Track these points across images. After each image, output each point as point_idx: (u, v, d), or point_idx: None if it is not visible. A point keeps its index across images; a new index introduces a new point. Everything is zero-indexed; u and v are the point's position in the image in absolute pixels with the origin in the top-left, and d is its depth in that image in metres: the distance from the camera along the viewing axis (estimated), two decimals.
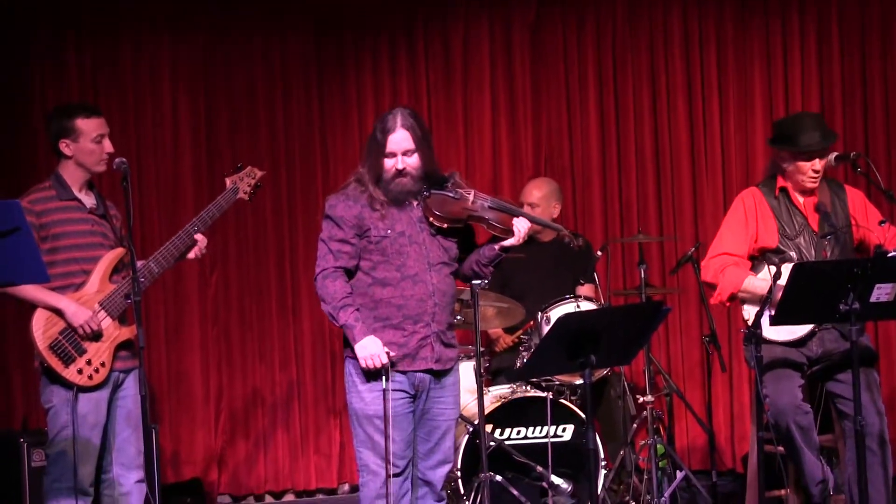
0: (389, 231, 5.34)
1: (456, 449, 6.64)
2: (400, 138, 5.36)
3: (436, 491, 5.53)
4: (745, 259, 6.21)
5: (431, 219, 5.36)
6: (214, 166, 8.44)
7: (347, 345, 5.38)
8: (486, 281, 6.74)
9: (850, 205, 6.26)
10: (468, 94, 8.80)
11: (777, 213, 6.20)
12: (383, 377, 5.26)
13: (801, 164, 6.12)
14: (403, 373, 5.34)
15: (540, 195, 7.84)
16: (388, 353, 5.26)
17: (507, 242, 5.41)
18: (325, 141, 8.73)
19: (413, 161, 5.37)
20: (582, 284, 7.75)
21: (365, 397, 5.36)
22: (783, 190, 6.23)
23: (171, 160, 8.59)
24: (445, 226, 5.37)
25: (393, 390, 5.31)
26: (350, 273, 5.40)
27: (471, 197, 5.43)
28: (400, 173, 5.35)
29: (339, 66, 8.77)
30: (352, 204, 5.38)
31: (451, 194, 5.41)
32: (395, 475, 5.33)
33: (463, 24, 8.80)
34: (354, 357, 5.33)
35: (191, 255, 6.05)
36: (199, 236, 5.99)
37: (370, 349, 5.25)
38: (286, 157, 8.69)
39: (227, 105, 8.68)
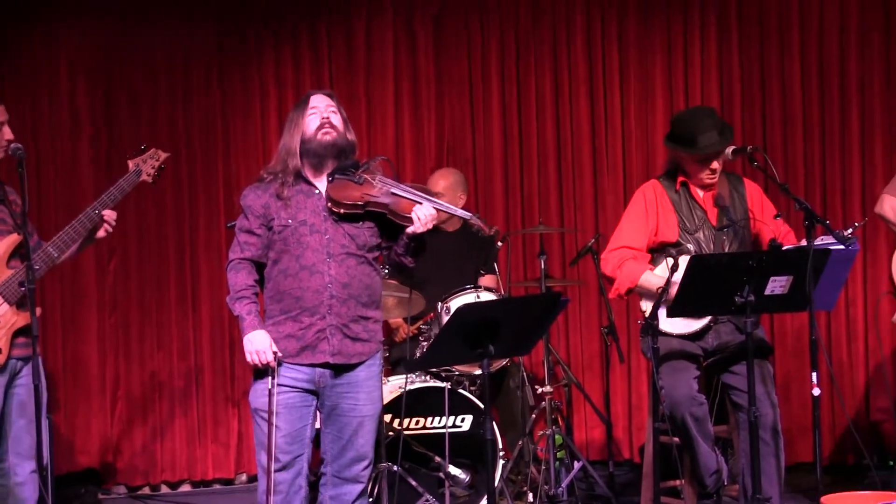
0: (291, 220, 5.31)
1: None
2: (322, 98, 5.44)
3: (357, 489, 5.45)
4: (644, 252, 6.25)
5: (329, 204, 5.31)
6: (113, 153, 8.36)
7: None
8: (386, 270, 6.75)
9: (749, 198, 6.33)
10: (371, 84, 8.78)
11: (677, 207, 6.25)
12: (269, 376, 5.22)
13: (699, 165, 6.17)
14: (308, 366, 5.30)
15: (445, 185, 7.84)
16: (275, 353, 5.22)
17: (409, 230, 5.31)
18: (227, 130, 8.68)
19: (337, 119, 5.39)
20: (483, 275, 7.76)
21: (257, 389, 5.34)
22: (684, 184, 6.28)
23: (70, 146, 8.51)
24: (342, 211, 5.30)
25: (286, 385, 5.28)
26: (261, 265, 5.38)
27: (375, 183, 5.35)
28: (325, 124, 5.35)
29: (241, 55, 8.72)
30: (261, 194, 5.37)
31: (353, 179, 5.34)
32: (278, 470, 5.28)
33: (366, 14, 8.77)
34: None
35: (100, 233, 5.95)
36: (107, 212, 5.90)
37: (256, 344, 5.22)
38: (187, 146, 8.63)
39: (127, 92, 8.60)
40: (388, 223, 5.40)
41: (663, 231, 6.23)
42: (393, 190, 5.36)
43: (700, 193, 6.27)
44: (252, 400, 5.37)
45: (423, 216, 5.28)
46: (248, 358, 5.23)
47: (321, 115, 5.38)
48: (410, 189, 5.41)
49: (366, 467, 5.46)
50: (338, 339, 5.30)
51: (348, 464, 5.42)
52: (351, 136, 5.47)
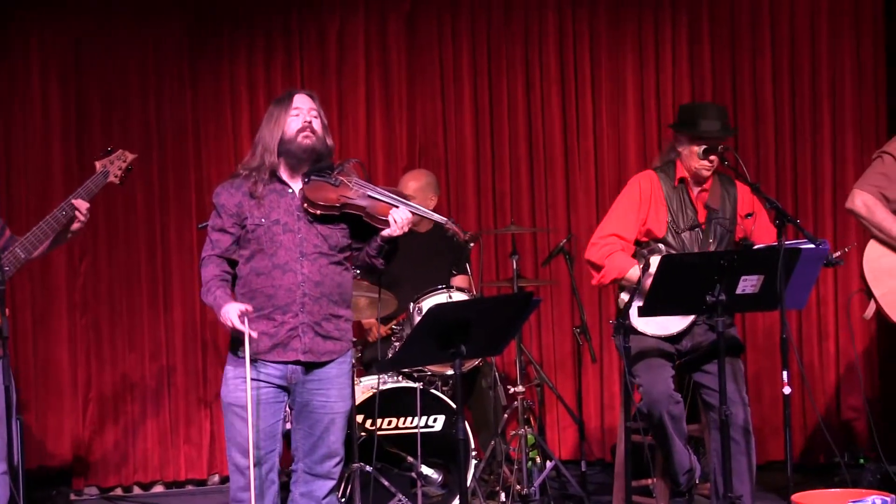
0: (264, 220, 5.30)
1: None
2: (305, 99, 5.42)
3: (328, 486, 5.46)
4: (632, 244, 6.23)
5: (305, 205, 5.30)
6: (85, 154, 8.31)
7: (233, 342, 5.36)
8: (358, 272, 6.75)
9: (739, 202, 6.33)
10: (343, 84, 8.76)
11: (669, 203, 6.21)
12: (246, 362, 5.20)
13: (696, 148, 6.16)
14: (280, 363, 5.31)
15: (416, 186, 7.83)
16: (248, 310, 5.19)
17: (385, 233, 5.31)
18: (198, 131, 8.64)
19: (318, 125, 5.40)
20: (455, 275, 7.76)
21: (229, 384, 5.34)
22: (682, 181, 6.26)
23: (41, 147, 8.46)
24: (318, 212, 5.30)
25: (260, 380, 5.29)
26: (234, 263, 5.38)
27: (351, 185, 5.36)
28: (306, 128, 5.34)
29: (212, 55, 8.69)
30: (234, 192, 5.37)
31: (330, 181, 5.35)
32: (248, 468, 5.28)
33: (338, 14, 8.76)
34: (235, 354, 5.33)
35: (74, 225, 5.90)
36: (78, 202, 5.86)
37: (231, 311, 5.16)
38: (158, 147, 8.59)
39: (98, 92, 8.55)
40: (362, 225, 5.40)
41: (652, 223, 6.21)
42: (369, 193, 5.36)
43: (695, 192, 6.26)
44: (225, 395, 5.37)
45: (399, 219, 5.29)
46: (232, 323, 5.15)
47: (304, 117, 5.37)
48: (386, 192, 5.42)
49: (336, 464, 5.47)
50: (309, 337, 5.31)
51: (319, 460, 5.43)
52: (330, 142, 5.47)
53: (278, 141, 5.36)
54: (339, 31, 8.75)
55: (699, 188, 6.27)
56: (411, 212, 5.36)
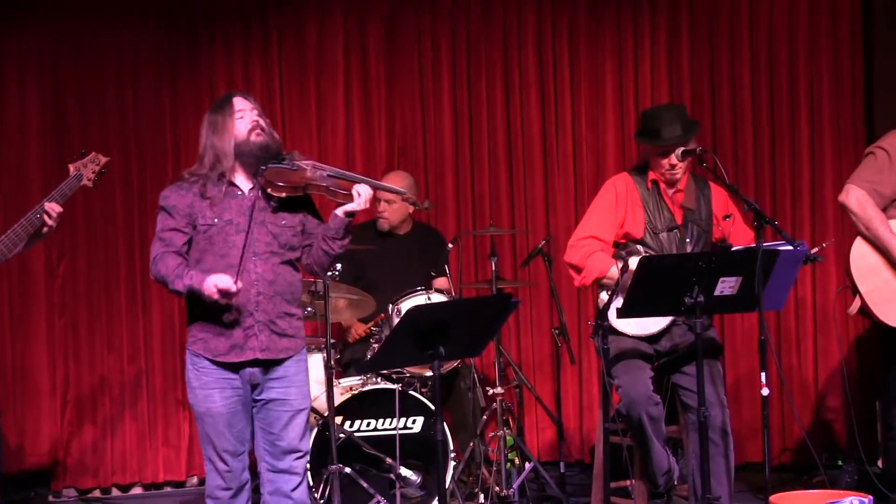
0: (217, 220, 5.33)
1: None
2: (245, 101, 5.46)
3: (294, 481, 5.48)
4: (610, 245, 6.25)
5: (270, 189, 5.34)
6: (63, 154, 8.25)
7: (189, 339, 5.40)
8: (338, 272, 6.75)
9: (714, 202, 6.34)
10: (321, 85, 8.76)
11: (646, 204, 6.24)
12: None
13: (661, 159, 6.18)
14: (234, 369, 5.34)
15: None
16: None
17: (350, 207, 5.37)
18: (177, 130, 8.63)
19: (265, 122, 5.44)
20: (434, 276, 7.76)
21: (198, 395, 5.39)
22: (655, 183, 6.28)
23: (18, 147, 8.44)
24: (283, 194, 5.35)
25: (222, 388, 5.35)
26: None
27: (308, 167, 5.42)
28: (256, 126, 5.38)
29: (191, 53, 8.67)
30: (184, 193, 5.38)
31: (287, 166, 5.40)
32: (228, 472, 5.39)
33: (317, 14, 8.75)
34: (194, 351, 5.37)
35: (45, 228, 5.89)
36: (50, 205, 5.84)
37: (215, 281, 5.15)
38: (136, 146, 8.58)
39: (76, 92, 8.54)
40: (306, 222, 5.49)
41: (629, 225, 6.23)
42: (328, 173, 5.43)
43: (669, 193, 6.28)
44: (195, 403, 5.41)
45: (363, 193, 5.36)
46: (217, 295, 5.15)
47: (250, 117, 5.42)
48: (342, 171, 5.52)
49: (298, 458, 5.51)
50: (265, 336, 5.35)
51: (280, 456, 5.47)
52: (276, 137, 5.52)
53: (232, 145, 5.38)
54: (317, 32, 8.74)
55: (673, 190, 6.28)
56: (372, 187, 5.43)
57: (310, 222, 5.52)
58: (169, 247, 5.35)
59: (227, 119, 5.41)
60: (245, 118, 5.40)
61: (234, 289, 5.15)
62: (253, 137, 5.37)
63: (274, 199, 5.37)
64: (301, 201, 5.47)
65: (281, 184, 5.34)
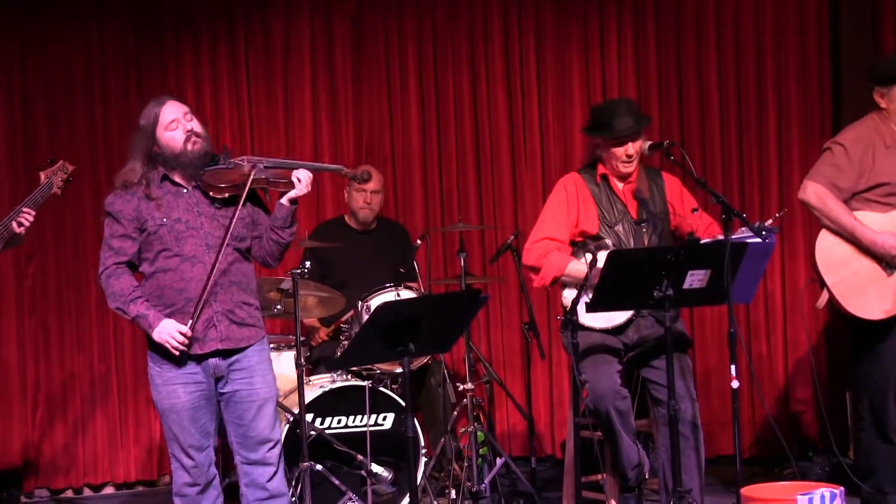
0: (166, 219, 5.36)
1: None
2: (177, 107, 5.46)
3: (268, 471, 5.51)
4: (567, 244, 6.26)
5: (212, 192, 5.40)
6: (32, 160, 8.22)
7: (149, 339, 5.39)
8: (307, 270, 6.73)
9: (668, 192, 6.36)
10: (288, 83, 8.74)
11: (597, 200, 6.26)
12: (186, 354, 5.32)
13: (615, 149, 6.20)
14: (197, 361, 5.37)
15: (381, 183, 7.92)
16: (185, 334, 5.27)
17: (293, 193, 5.46)
18: None
19: (198, 126, 5.46)
20: (402, 273, 7.75)
21: (161, 391, 5.42)
22: (604, 177, 6.30)
23: None
24: (226, 194, 5.39)
25: (185, 383, 5.38)
26: (134, 266, 5.43)
27: (245, 164, 5.48)
28: (191, 136, 5.39)
29: (158, 55, 8.65)
30: (129, 198, 5.40)
31: (224, 166, 5.46)
32: (194, 467, 5.44)
33: (283, 12, 8.73)
34: (154, 350, 5.39)
35: (19, 229, 5.92)
36: (28, 210, 5.89)
37: (168, 329, 5.27)
38: (105, 149, 8.56)
39: (44, 95, 8.52)
40: (255, 213, 5.55)
41: (584, 223, 6.24)
42: (264, 165, 5.50)
43: (620, 186, 6.29)
44: (159, 401, 5.47)
45: (304, 178, 5.46)
46: (168, 345, 5.26)
47: (183, 126, 5.41)
48: (278, 160, 5.61)
49: (271, 448, 5.53)
50: (225, 326, 5.39)
51: (253, 447, 5.49)
52: (208, 136, 5.53)
53: (162, 158, 5.42)
54: (284, 27, 8.73)
55: (623, 182, 6.29)
56: (311, 170, 5.52)
57: (258, 214, 5.57)
58: (120, 256, 5.37)
59: (154, 130, 5.42)
60: (178, 127, 5.40)
61: (185, 344, 5.26)
62: (189, 147, 5.39)
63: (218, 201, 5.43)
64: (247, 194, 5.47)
65: (222, 185, 5.39)
